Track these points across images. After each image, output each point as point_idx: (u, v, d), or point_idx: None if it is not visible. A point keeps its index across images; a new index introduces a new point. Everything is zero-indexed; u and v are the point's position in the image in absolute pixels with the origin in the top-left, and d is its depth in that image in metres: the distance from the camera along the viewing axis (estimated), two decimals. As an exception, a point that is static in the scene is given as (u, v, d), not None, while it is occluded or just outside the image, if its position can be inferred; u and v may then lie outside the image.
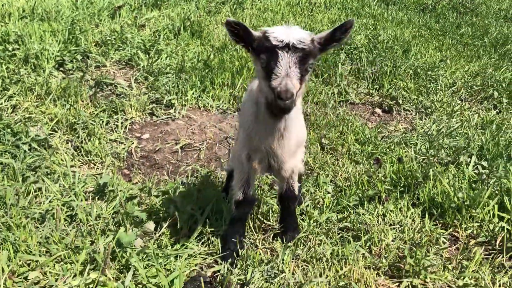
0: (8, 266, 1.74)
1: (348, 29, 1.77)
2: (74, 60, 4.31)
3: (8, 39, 4.25)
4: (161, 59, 4.61)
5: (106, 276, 1.76)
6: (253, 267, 1.95)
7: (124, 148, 3.25)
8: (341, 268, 1.96)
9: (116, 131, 3.47)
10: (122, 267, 1.92)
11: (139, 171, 3.10)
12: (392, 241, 2.13)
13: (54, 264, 1.85)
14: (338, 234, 2.19)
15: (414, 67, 5.16)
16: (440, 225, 2.31)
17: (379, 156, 3.03)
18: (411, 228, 2.20)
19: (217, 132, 3.64)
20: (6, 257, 1.73)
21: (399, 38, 6.22)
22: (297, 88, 1.63)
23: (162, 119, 3.77)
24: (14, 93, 3.69)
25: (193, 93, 4.09)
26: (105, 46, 4.65)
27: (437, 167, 2.60)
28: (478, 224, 2.27)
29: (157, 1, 6.06)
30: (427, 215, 2.29)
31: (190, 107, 3.97)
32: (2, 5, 5.31)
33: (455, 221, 2.28)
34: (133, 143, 3.36)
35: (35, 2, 5.27)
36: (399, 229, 2.23)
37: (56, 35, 4.55)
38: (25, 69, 4.03)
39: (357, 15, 7.34)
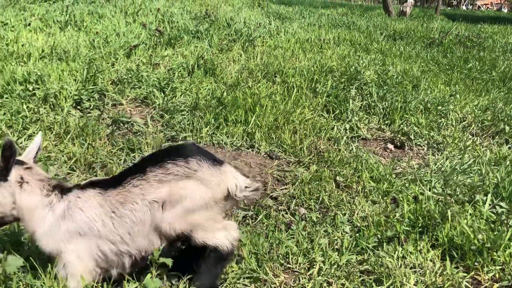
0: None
1: (7, 149, 1.85)
2: (91, 99, 4.41)
3: (29, 79, 4.37)
4: (175, 97, 4.71)
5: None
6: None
7: (141, 187, 3.29)
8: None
9: (133, 170, 3.52)
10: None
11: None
12: (415, 285, 2.13)
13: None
14: (359, 277, 2.19)
15: (424, 102, 5.23)
16: (462, 267, 2.30)
17: (395, 195, 3.04)
18: (432, 271, 2.19)
19: (232, 169, 3.69)
20: None
21: (408, 73, 6.32)
22: None
23: (178, 156, 3.82)
24: (34, 132, 3.78)
25: (207, 130, 4.16)
26: (121, 85, 4.77)
27: (454, 207, 2.61)
28: (500, 267, 2.27)
29: (171, 40, 6.24)
30: (447, 257, 2.29)
31: (204, 144, 4.03)
32: (23, 45, 5.49)
33: (476, 263, 2.28)
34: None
35: (54, 42, 5.44)
36: (420, 272, 2.23)
37: (74, 74, 4.68)
38: (44, 108, 4.14)
39: (366, 51, 7.48)
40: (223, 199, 2.01)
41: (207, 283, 2.04)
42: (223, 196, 2.00)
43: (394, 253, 2.30)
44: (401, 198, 2.98)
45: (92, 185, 2.04)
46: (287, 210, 3.07)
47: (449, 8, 36.54)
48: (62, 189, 2.01)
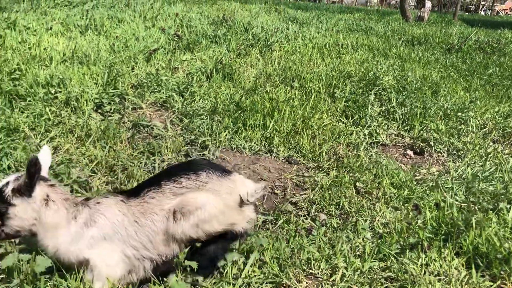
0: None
1: (33, 166, 1.90)
2: (112, 102, 4.46)
3: (51, 82, 4.44)
4: (194, 101, 4.74)
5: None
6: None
7: (162, 190, 3.32)
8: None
9: (153, 173, 3.55)
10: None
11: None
12: (440, 293, 2.10)
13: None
14: (383, 284, 2.17)
15: (443, 108, 5.17)
16: (488, 276, 2.26)
17: (416, 202, 3.01)
18: (458, 280, 2.16)
19: (251, 174, 3.69)
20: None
21: (427, 79, 6.27)
22: None
23: (197, 160, 3.84)
24: (56, 135, 3.83)
25: (226, 135, 4.17)
26: (141, 89, 4.81)
27: (478, 215, 2.57)
28: (526, 276, 2.23)
29: (189, 45, 6.28)
30: (473, 266, 2.25)
31: (223, 148, 4.04)
32: (44, 49, 5.58)
33: (502, 272, 2.24)
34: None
35: (75, 46, 5.52)
36: (445, 280, 2.19)
37: (94, 78, 4.74)
38: (66, 111, 4.19)
39: (384, 56, 7.44)
40: (238, 205, 2.16)
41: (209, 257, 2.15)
42: (236, 203, 2.15)
43: (418, 260, 2.27)
44: (422, 205, 2.94)
45: (112, 194, 2.15)
46: (307, 216, 3.06)
47: (467, 13, 36.16)
48: (84, 202, 2.11)
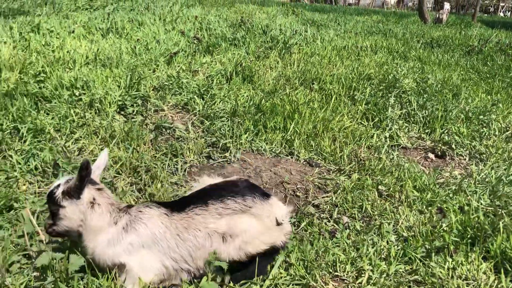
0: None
1: (84, 170, 1.99)
2: (134, 104, 4.53)
3: (75, 85, 4.52)
4: (215, 103, 4.78)
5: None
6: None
7: (185, 192, 3.36)
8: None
9: (176, 174, 3.59)
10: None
11: (200, 214, 3.17)
12: (468, 297, 2.09)
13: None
14: (410, 287, 2.16)
15: (465, 111, 5.12)
16: (516, 281, 2.24)
17: (440, 205, 2.99)
18: (487, 285, 2.15)
19: (272, 176, 3.71)
20: None
21: (447, 81, 6.21)
22: (48, 224, 2.09)
23: (219, 162, 3.87)
24: (80, 136, 3.90)
25: (246, 137, 4.20)
26: (162, 91, 4.87)
27: (505, 219, 2.55)
28: (556, 281, 2.20)
29: (209, 47, 6.33)
30: (502, 270, 2.23)
31: (244, 151, 4.07)
32: (68, 52, 5.68)
33: (531, 277, 2.22)
34: (192, 187, 3.46)
35: (97, 49, 5.61)
36: (473, 284, 2.18)
37: (117, 81, 4.81)
38: (90, 113, 4.27)
39: (404, 58, 7.39)
40: (273, 225, 2.31)
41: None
42: (274, 224, 2.30)
43: (445, 264, 2.26)
44: (446, 208, 2.93)
45: (155, 205, 2.22)
46: (329, 218, 3.06)
47: (486, 15, 35.62)
48: (126, 209, 2.19)
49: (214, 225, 2.14)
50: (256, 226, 2.20)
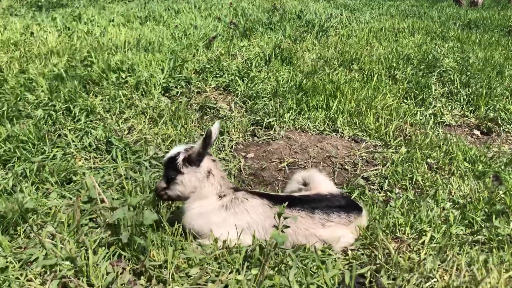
0: (172, 263, 1.91)
1: (208, 137, 2.07)
2: (178, 86, 4.62)
3: (121, 68, 4.65)
4: (255, 84, 4.82)
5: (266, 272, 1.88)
6: (402, 273, 1.97)
7: (234, 166, 3.42)
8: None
9: (223, 151, 3.66)
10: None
11: (250, 187, 3.23)
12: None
13: (212, 262, 2.02)
14: (472, 248, 2.16)
15: (510, 88, 5.01)
16: None
17: (495, 173, 2.96)
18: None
19: (319, 151, 3.73)
20: (171, 254, 1.91)
21: (489, 60, 6.07)
22: (160, 188, 2.20)
23: (264, 139, 3.92)
24: (129, 116, 4.01)
25: (290, 115, 4.23)
26: (203, 74, 4.95)
27: None
28: None
29: (246, 32, 6.37)
30: None
31: (288, 129, 4.10)
32: (110, 39, 5.83)
33: None
34: (240, 162, 3.52)
35: (139, 34, 5.73)
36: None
37: (160, 64, 4.91)
38: (136, 94, 4.38)
39: (442, 39, 7.25)
40: (357, 230, 2.42)
41: None
42: (357, 230, 2.40)
43: (509, 225, 2.25)
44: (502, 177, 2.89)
45: (259, 195, 2.30)
46: (379, 190, 3.07)
47: (522, -2, 34.28)
48: (233, 190, 2.28)
49: (314, 231, 2.22)
50: (350, 234, 2.31)
